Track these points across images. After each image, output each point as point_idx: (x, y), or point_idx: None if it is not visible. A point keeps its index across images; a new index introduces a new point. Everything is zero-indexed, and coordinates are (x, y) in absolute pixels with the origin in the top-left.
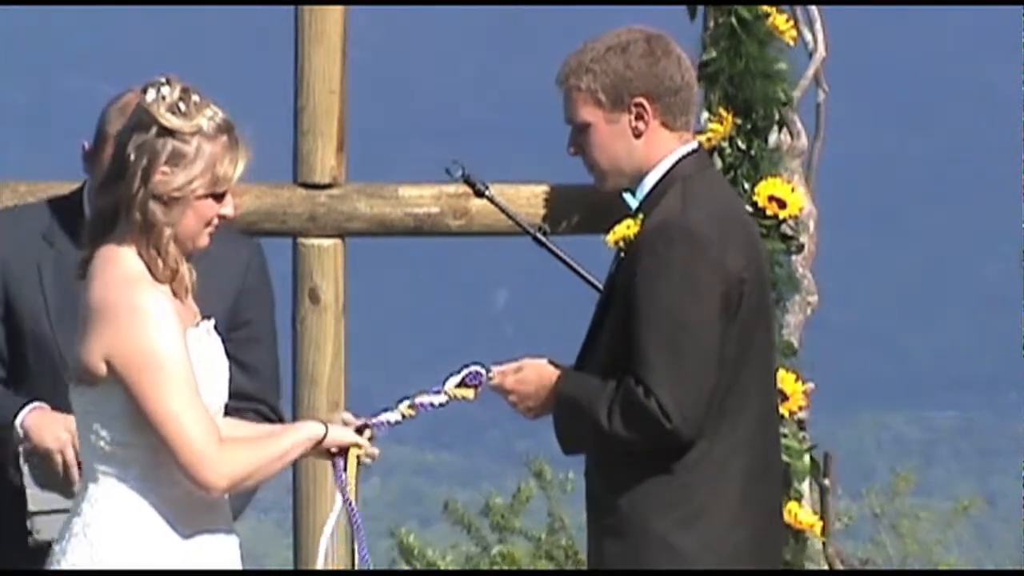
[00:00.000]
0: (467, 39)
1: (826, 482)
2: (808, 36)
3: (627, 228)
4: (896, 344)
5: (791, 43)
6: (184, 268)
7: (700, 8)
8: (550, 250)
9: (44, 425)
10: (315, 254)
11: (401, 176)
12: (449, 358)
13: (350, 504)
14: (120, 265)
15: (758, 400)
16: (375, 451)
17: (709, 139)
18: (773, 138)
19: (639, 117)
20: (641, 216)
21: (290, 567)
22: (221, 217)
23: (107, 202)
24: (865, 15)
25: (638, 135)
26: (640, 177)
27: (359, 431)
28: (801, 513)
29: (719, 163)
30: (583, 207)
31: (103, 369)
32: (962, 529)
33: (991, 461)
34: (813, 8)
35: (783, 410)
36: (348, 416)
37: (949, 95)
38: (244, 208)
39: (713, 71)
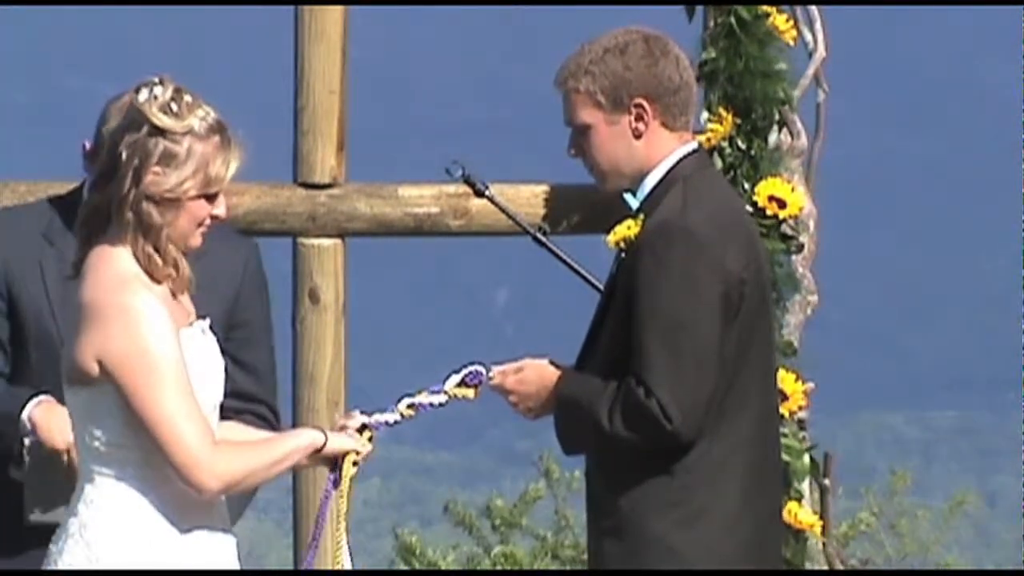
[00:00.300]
0: (467, 39)
1: (826, 482)
2: (808, 36)
3: (628, 228)
4: (896, 344)
5: (791, 43)
6: (183, 264)
7: (699, 8)
8: (550, 250)
9: (53, 421)
10: (315, 254)
11: (401, 176)
12: (449, 358)
13: (323, 515)
14: (113, 265)
15: (758, 400)
16: (369, 447)
17: (709, 139)
18: (773, 138)
19: (639, 118)
20: (642, 216)
21: (290, 567)
22: (213, 217)
23: (99, 201)
24: (865, 15)
25: (638, 136)
26: (641, 178)
27: (359, 431)
28: (801, 513)
29: (719, 163)
30: (583, 207)
31: (95, 369)
32: (961, 528)
33: (991, 461)
34: (813, 8)
35: (783, 410)
36: (345, 419)
37: (949, 95)
38: (244, 208)
39: (712, 71)
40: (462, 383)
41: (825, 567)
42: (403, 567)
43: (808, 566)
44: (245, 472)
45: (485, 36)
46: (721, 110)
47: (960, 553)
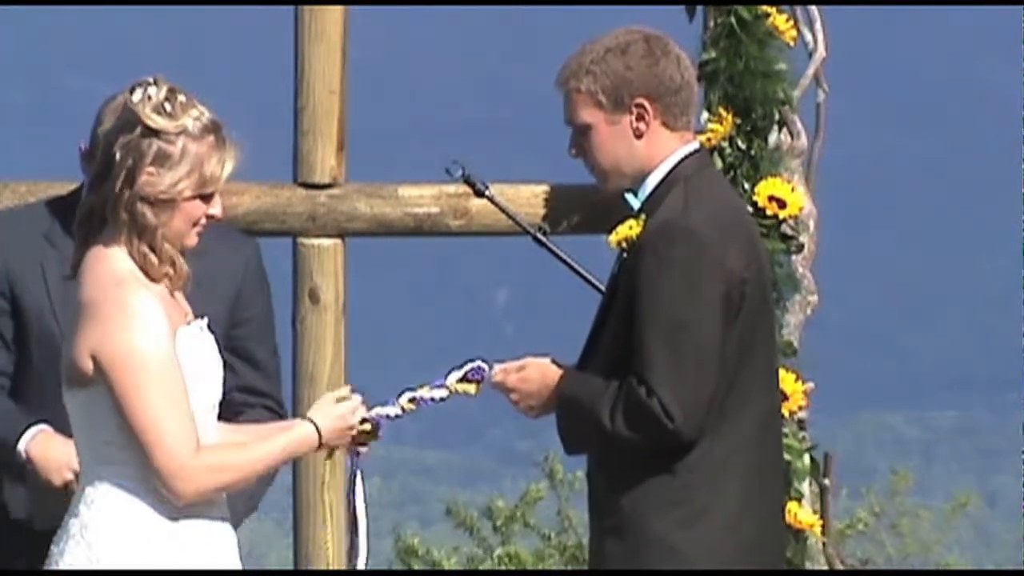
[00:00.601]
0: (467, 39)
1: (826, 482)
2: (808, 36)
3: (629, 228)
4: (896, 344)
5: (791, 43)
6: (179, 263)
7: (699, 8)
8: (550, 250)
9: (50, 457)
10: (315, 254)
11: (401, 176)
12: (449, 358)
13: (354, 509)
14: (109, 264)
15: (760, 400)
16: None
17: (709, 139)
18: (773, 138)
19: (640, 118)
20: (643, 216)
21: (290, 567)
22: (209, 217)
23: (95, 202)
24: (865, 15)
25: (639, 136)
26: (642, 178)
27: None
28: (801, 513)
29: (719, 163)
30: (583, 207)
31: (91, 368)
32: (962, 528)
33: (991, 461)
34: (813, 8)
35: (783, 410)
36: (345, 398)
37: (949, 95)
38: (244, 208)
39: (713, 71)
40: (464, 378)
41: (825, 567)
42: (402, 567)
43: (808, 566)
44: (224, 480)
45: (485, 36)
46: (721, 110)
47: (960, 553)
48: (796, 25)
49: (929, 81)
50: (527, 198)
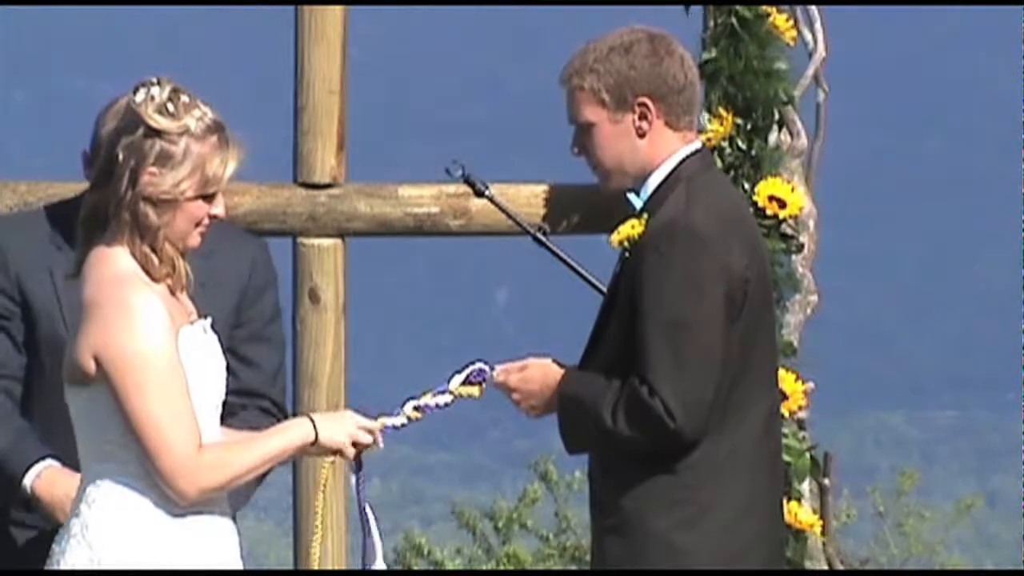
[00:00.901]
0: (467, 39)
1: (826, 482)
2: (808, 36)
3: (631, 228)
4: (896, 344)
5: (791, 43)
6: (181, 264)
7: (699, 8)
8: (550, 250)
9: (55, 496)
10: (315, 254)
11: (401, 176)
12: (449, 358)
13: (363, 511)
14: (111, 264)
15: (762, 399)
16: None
17: (709, 139)
18: (773, 138)
19: (643, 117)
20: (645, 216)
21: (290, 567)
22: (212, 217)
23: (97, 202)
24: (865, 15)
25: (642, 135)
26: (644, 177)
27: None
28: (801, 513)
29: (719, 163)
30: (583, 207)
31: (93, 367)
32: (962, 529)
33: (991, 461)
34: (813, 8)
35: (783, 410)
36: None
37: (949, 95)
38: (244, 208)
39: (713, 71)
40: (466, 381)
41: (825, 567)
42: (407, 566)
43: (808, 566)
44: (226, 479)
45: (485, 36)
46: (721, 110)
47: (960, 553)
48: (796, 25)
49: (929, 81)
50: (527, 198)
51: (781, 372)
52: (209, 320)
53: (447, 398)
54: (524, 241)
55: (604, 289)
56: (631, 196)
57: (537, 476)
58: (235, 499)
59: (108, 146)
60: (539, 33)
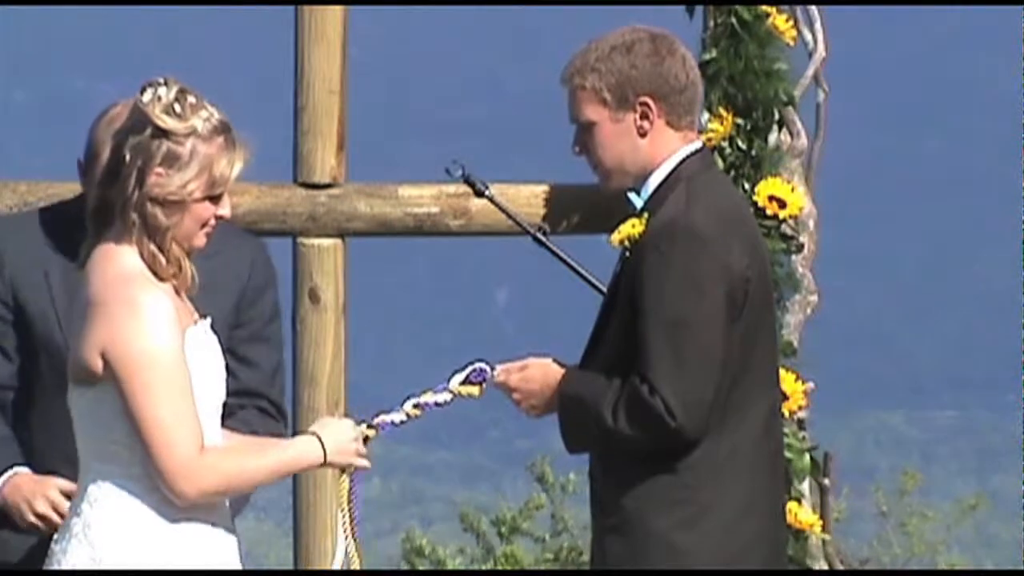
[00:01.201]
0: (467, 39)
1: (826, 482)
2: (808, 36)
3: (632, 227)
4: (896, 344)
5: (791, 43)
6: (187, 264)
7: (699, 8)
8: (550, 250)
9: (17, 500)
10: (315, 254)
11: (401, 176)
12: (449, 358)
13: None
14: (118, 263)
15: (762, 399)
16: (367, 464)
17: (709, 139)
18: (773, 138)
19: (644, 116)
20: (646, 215)
21: (290, 567)
22: (218, 218)
23: (103, 200)
24: (865, 15)
25: (643, 134)
26: (644, 176)
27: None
28: (801, 513)
29: (720, 163)
30: (583, 207)
31: (100, 366)
32: (963, 528)
33: (991, 461)
34: (813, 8)
35: (783, 410)
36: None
37: (949, 95)
38: (244, 208)
39: (713, 71)
40: (466, 381)
41: (825, 567)
42: (407, 566)
43: (808, 566)
44: (226, 485)
45: (485, 36)
46: (721, 110)
47: (960, 553)
48: (796, 25)
49: (929, 81)
50: (527, 198)
51: (781, 372)
52: (209, 320)
53: (447, 396)
54: (524, 241)
55: (604, 289)
56: (631, 196)
57: (534, 477)
58: (234, 502)
59: (114, 146)
60: (539, 33)
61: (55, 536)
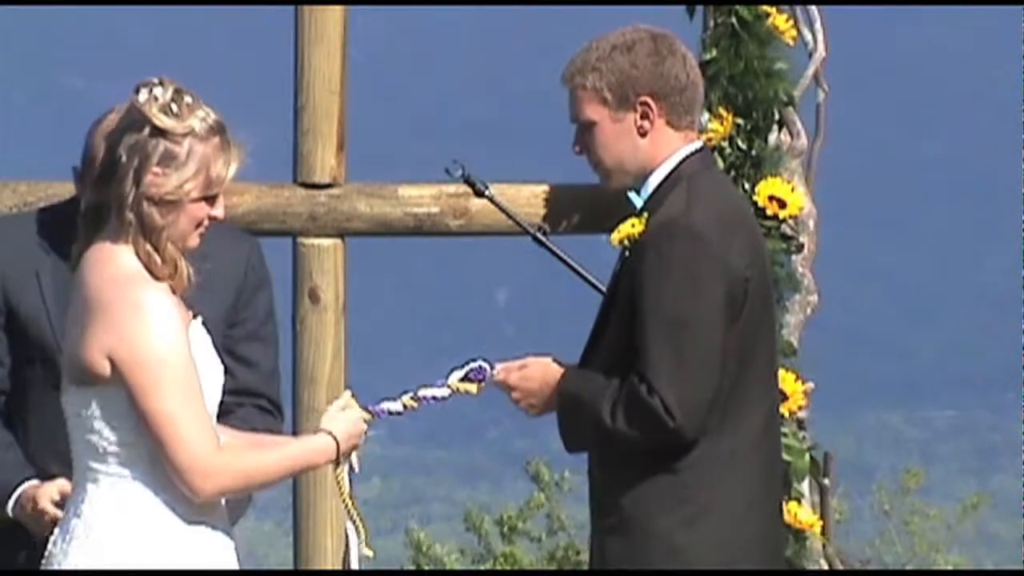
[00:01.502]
0: (467, 39)
1: (826, 482)
2: (808, 36)
3: (632, 227)
4: (896, 344)
5: (791, 43)
6: (183, 264)
7: (699, 8)
8: (550, 250)
9: (31, 517)
10: (315, 254)
11: (401, 176)
12: (449, 358)
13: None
14: (115, 263)
15: (762, 399)
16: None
17: (710, 139)
18: (773, 138)
19: (644, 116)
20: (646, 215)
21: (290, 567)
22: (212, 218)
23: (99, 200)
24: (865, 15)
25: (643, 134)
26: (644, 176)
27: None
28: (801, 513)
29: (720, 163)
30: (583, 207)
31: (106, 368)
32: (963, 528)
33: (991, 461)
34: (813, 8)
35: (783, 410)
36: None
37: (949, 95)
38: (244, 208)
39: (713, 71)
40: (465, 378)
41: (825, 567)
42: (410, 564)
43: (808, 566)
44: (243, 481)
45: (485, 36)
46: (722, 110)
47: (960, 553)
48: (796, 25)
49: (929, 81)
50: (527, 198)
51: (781, 372)
52: (200, 319)
53: (445, 392)
54: (524, 241)
55: (604, 289)
56: (631, 195)
57: (528, 476)
58: (234, 509)
59: (110, 145)
60: (539, 33)
61: (52, 537)
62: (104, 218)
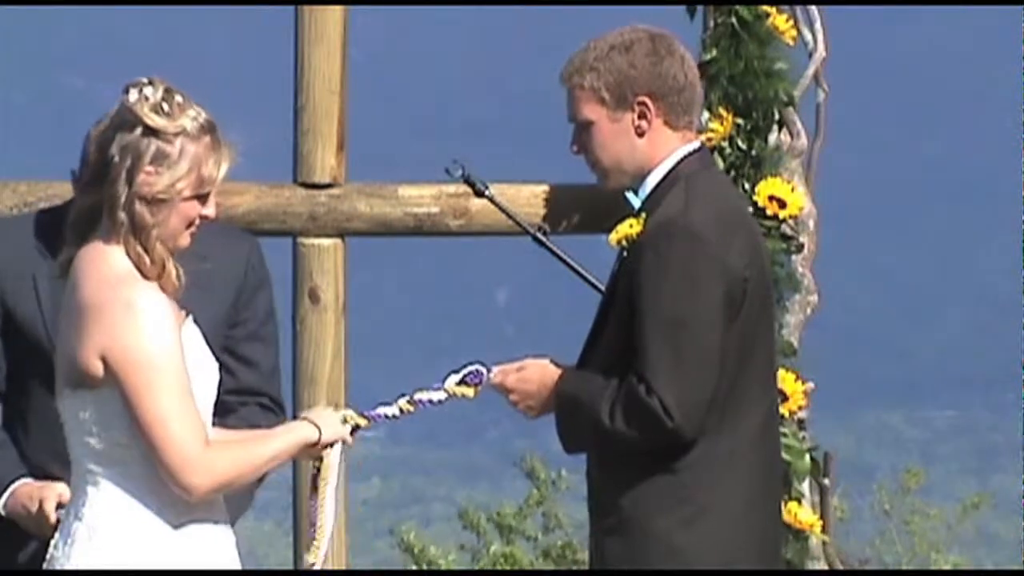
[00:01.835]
0: (467, 39)
1: (826, 482)
2: (808, 36)
3: (630, 227)
4: (896, 344)
5: (791, 43)
6: (171, 265)
7: (700, 8)
8: (550, 250)
9: (24, 516)
10: (315, 254)
11: (401, 176)
12: (449, 358)
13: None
14: (108, 264)
15: (761, 399)
16: (350, 440)
17: (709, 139)
18: (773, 138)
19: (642, 116)
20: (644, 215)
21: (290, 567)
22: (203, 218)
23: (90, 201)
24: (865, 15)
25: (641, 134)
26: (642, 176)
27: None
28: (801, 513)
29: (719, 163)
30: (583, 207)
31: (100, 369)
32: (963, 528)
33: (991, 461)
34: (813, 8)
35: (783, 410)
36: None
37: (949, 95)
38: (244, 208)
39: (713, 71)
40: (462, 382)
41: (825, 567)
42: (405, 566)
43: (808, 566)
44: (233, 475)
45: (485, 36)
46: (721, 110)
47: (960, 552)
48: (796, 25)
49: (929, 81)
50: (527, 198)
51: (781, 372)
52: (192, 318)
53: (442, 395)
54: (524, 241)
55: (603, 289)
56: (630, 195)
57: (523, 474)
58: (234, 508)
59: (101, 146)
60: (539, 33)
61: (53, 540)
62: (97, 219)
